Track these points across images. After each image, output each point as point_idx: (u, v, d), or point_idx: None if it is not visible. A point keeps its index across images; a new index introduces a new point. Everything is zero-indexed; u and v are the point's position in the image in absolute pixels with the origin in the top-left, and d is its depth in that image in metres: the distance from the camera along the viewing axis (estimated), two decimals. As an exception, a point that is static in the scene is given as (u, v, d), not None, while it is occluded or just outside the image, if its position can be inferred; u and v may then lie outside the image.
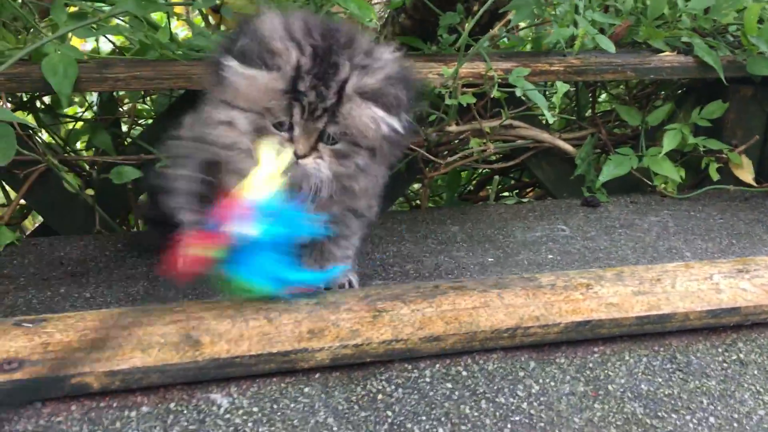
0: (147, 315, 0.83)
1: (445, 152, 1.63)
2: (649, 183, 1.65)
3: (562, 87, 1.36)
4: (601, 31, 1.62)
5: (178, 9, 1.80)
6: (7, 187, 1.55)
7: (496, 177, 1.67)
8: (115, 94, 1.62)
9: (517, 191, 1.94)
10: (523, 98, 1.45)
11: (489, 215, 1.51)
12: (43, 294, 1.13)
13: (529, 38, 1.75)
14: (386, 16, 1.89)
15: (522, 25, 1.82)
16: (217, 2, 1.49)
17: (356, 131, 0.87)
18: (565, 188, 1.70)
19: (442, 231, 1.42)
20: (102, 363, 0.74)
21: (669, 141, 1.58)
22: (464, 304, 0.87)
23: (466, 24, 1.41)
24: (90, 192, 1.50)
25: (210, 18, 1.61)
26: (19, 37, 1.47)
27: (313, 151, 0.87)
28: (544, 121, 1.65)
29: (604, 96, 1.94)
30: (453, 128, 1.53)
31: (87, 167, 1.55)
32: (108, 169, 1.40)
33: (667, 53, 1.60)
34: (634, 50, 1.66)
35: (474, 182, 2.05)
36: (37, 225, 1.73)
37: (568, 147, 1.63)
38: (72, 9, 1.39)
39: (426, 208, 1.64)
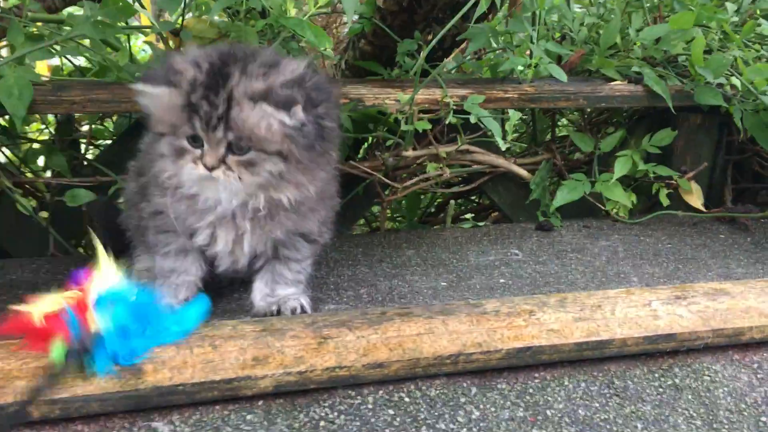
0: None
1: (404, 175, 1.66)
2: (602, 207, 1.68)
3: (514, 115, 1.40)
4: (558, 59, 1.66)
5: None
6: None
7: (452, 202, 1.70)
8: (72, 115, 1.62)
9: (474, 215, 1.96)
10: (480, 124, 1.48)
11: (445, 239, 1.54)
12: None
13: (487, 64, 1.79)
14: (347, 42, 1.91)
15: (479, 51, 1.85)
16: (177, 26, 1.50)
17: (251, 134, 0.90)
18: (521, 212, 1.73)
19: (398, 255, 1.43)
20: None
21: (620, 167, 1.63)
22: (409, 331, 0.89)
23: (422, 51, 1.44)
24: (44, 214, 1.49)
25: (170, 42, 1.61)
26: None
27: (222, 164, 0.92)
28: (500, 147, 1.68)
29: (561, 122, 1.98)
30: (410, 153, 1.56)
31: (43, 188, 1.55)
32: (64, 191, 1.40)
33: (618, 82, 1.65)
34: (587, 79, 1.70)
35: (435, 205, 2.08)
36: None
37: (523, 172, 1.66)
38: (32, 30, 1.39)
39: (384, 232, 1.65)
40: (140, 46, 2.32)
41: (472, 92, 1.51)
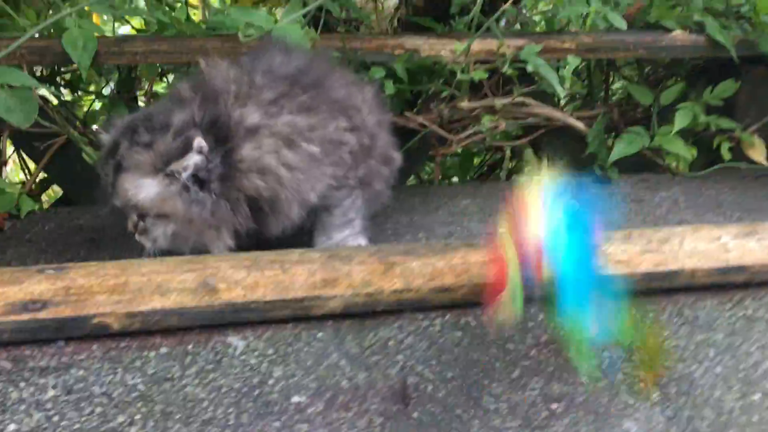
0: (164, 264, 0.85)
1: (456, 130, 1.65)
2: (660, 162, 1.65)
3: (573, 61, 1.38)
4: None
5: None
6: (27, 160, 1.59)
7: (509, 153, 1.68)
8: (132, 74, 1.65)
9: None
10: (535, 76, 1.46)
11: (501, 191, 1.52)
12: (63, 257, 1.16)
13: (542, 19, 1.76)
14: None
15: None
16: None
17: (129, 202, 0.94)
18: (576, 167, 1.70)
19: (454, 204, 1.43)
20: (122, 305, 0.77)
21: (681, 119, 1.59)
22: (474, 259, 0.89)
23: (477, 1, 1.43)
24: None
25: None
26: (41, 15, 1.50)
27: (135, 228, 0.97)
28: (556, 100, 1.66)
29: (617, 83, 1.94)
30: (465, 104, 1.55)
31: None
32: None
33: (678, 32, 1.61)
34: (647, 30, 1.66)
35: (485, 166, 2.06)
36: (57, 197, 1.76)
37: (579, 125, 1.64)
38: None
39: (438, 185, 1.65)
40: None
41: (529, 42, 1.49)
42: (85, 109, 1.67)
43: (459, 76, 1.45)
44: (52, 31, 1.42)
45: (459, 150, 1.71)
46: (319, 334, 0.80)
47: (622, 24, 1.49)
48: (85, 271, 0.82)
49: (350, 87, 1.12)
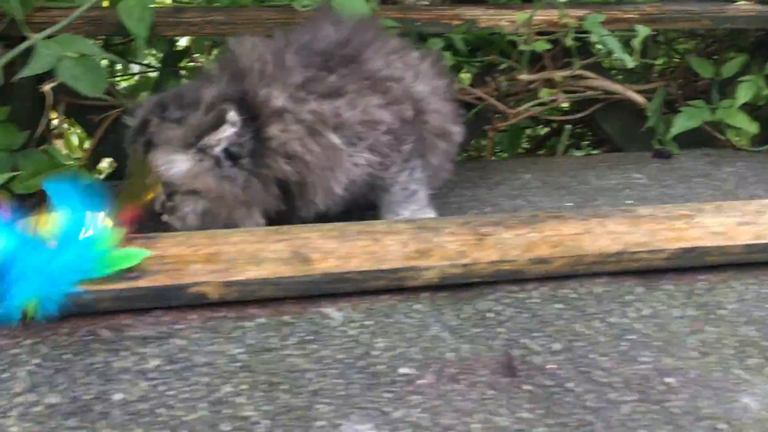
0: (252, 234, 0.83)
1: (512, 104, 1.61)
2: (720, 136, 1.61)
3: (643, 30, 1.34)
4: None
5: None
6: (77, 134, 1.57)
7: (568, 127, 1.65)
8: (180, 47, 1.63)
9: (579, 147, 1.91)
10: (597, 46, 1.42)
11: (559, 165, 1.50)
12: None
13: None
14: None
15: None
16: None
17: (166, 180, 0.93)
18: (633, 142, 1.67)
19: (515, 178, 1.40)
20: (219, 274, 0.75)
21: (743, 92, 1.55)
22: (567, 231, 0.87)
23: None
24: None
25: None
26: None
27: (162, 208, 0.94)
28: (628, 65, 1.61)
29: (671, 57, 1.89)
30: (524, 77, 1.51)
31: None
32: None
33: (744, 2, 1.56)
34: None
35: (536, 139, 2.03)
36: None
37: (639, 98, 1.60)
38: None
39: (495, 160, 1.63)
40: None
41: (591, 12, 1.45)
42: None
43: (521, 46, 1.41)
44: (107, 1, 1.40)
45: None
46: (416, 306, 0.78)
47: (688, -8, 1.45)
48: (174, 241, 0.81)
49: (390, 56, 1.08)
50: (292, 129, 0.92)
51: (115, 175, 1.62)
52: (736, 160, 1.52)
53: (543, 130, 2.01)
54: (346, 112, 0.96)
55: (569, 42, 1.44)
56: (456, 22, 1.47)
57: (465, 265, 0.80)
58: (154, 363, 0.69)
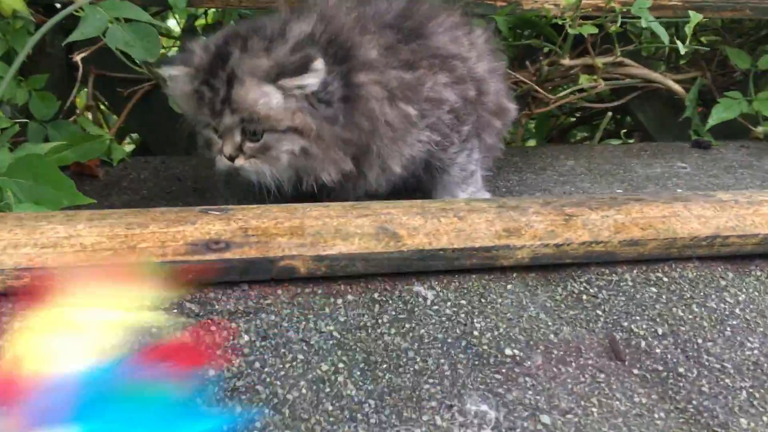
0: (332, 208, 0.79)
1: (550, 89, 1.59)
2: (752, 129, 1.60)
3: (695, 16, 1.31)
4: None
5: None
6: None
7: (609, 113, 1.62)
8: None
9: (610, 136, 1.89)
10: (642, 33, 1.40)
11: (600, 153, 1.47)
12: (174, 204, 1.10)
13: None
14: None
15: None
16: None
17: (256, 114, 0.82)
18: (667, 132, 1.66)
19: (559, 164, 1.38)
20: (307, 248, 0.71)
21: (782, 85, 1.53)
22: (653, 213, 0.84)
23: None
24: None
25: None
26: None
27: (240, 152, 0.85)
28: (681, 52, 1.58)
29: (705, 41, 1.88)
30: (567, 62, 1.48)
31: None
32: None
33: (786, -7, 1.54)
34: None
35: (560, 128, 2.01)
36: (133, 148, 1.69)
37: (678, 88, 1.58)
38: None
39: (536, 146, 1.60)
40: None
41: (636, -2, 1.42)
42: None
43: (568, 29, 1.38)
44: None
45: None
46: (509, 286, 0.75)
47: (735, -19, 1.43)
48: (252, 213, 0.77)
49: (455, 31, 1.04)
50: (376, 87, 0.87)
51: (142, 150, 1.57)
52: (776, 152, 1.51)
53: (567, 121, 1.99)
54: (417, 86, 0.92)
55: (614, 27, 1.41)
56: (500, 3, 1.44)
57: (558, 246, 0.77)
58: (246, 338, 0.65)
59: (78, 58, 1.22)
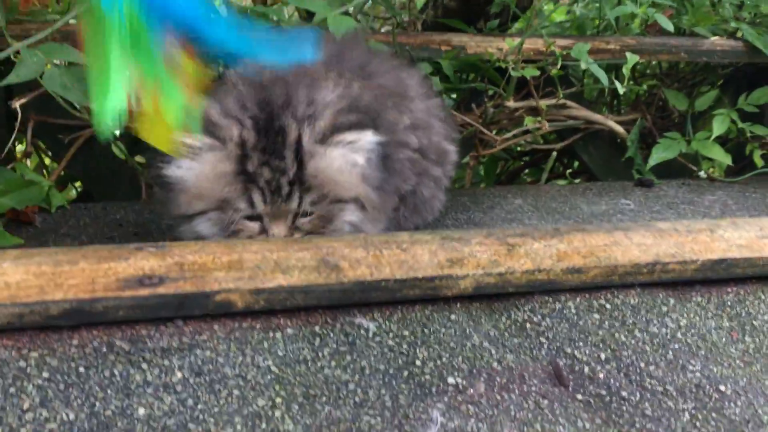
0: (272, 243, 0.78)
1: (495, 132, 1.62)
2: (693, 168, 1.65)
3: (632, 58, 1.36)
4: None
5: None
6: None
7: (554, 153, 1.65)
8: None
9: (556, 177, 1.92)
10: (573, 79, 1.44)
11: (547, 192, 1.50)
12: (114, 248, 1.06)
13: (574, 21, 1.75)
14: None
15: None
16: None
17: (333, 183, 0.79)
18: (611, 173, 1.70)
19: (506, 203, 1.39)
20: (245, 282, 0.69)
21: (718, 125, 1.59)
22: (594, 242, 0.84)
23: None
24: (140, 159, 1.43)
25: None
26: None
27: (296, 230, 0.81)
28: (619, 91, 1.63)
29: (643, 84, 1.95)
30: (511, 104, 1.52)
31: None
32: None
33: (717, 37, 1.62)
34: (684, 35, 1.67)
35: (506, 171, 2.04)
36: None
37: (619, 128, 1.63)
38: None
39: (484, 188, 1.61)
40: None
41: (575, 42, 1.47)
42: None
43: (511, 72, 1.41)
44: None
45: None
46: (452, 316, 0.74)
47: (669, 26, 1.49)
48: (189, 249, 0.75)
49: (397, 71, 1.04)
50: (400, 148, 0.87)
51: (84, 197, 1.54)
52: (715, 190, 1.55)
53: (516, 163, 2.02)
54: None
55: (555, 70, 1.45)
56: (444, 48, 1.47)
57: (500, 274, 0.77)
58: (179, 375, 0.62)
59: (17, 104, 1.19)
